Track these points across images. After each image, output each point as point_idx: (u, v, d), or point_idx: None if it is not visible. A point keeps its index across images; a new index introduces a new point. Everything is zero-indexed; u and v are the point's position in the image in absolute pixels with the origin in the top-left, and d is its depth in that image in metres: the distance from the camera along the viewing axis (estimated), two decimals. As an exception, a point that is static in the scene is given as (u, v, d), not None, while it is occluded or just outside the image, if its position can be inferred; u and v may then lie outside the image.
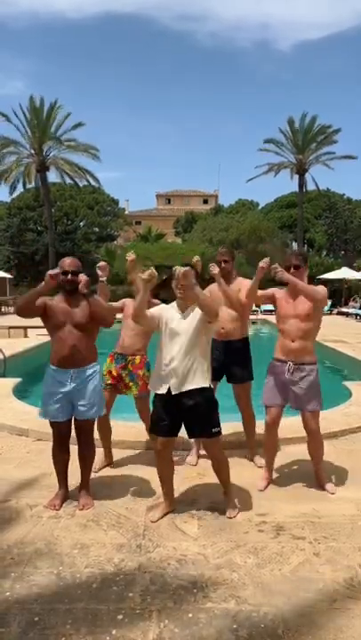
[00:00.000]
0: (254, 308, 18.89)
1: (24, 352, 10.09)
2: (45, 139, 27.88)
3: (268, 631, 2.22)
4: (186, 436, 3.39)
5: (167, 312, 3.26)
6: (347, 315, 21.62)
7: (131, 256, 4.32)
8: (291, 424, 4.45)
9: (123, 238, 41.71)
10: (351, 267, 28.31)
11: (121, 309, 4.24)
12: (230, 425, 4.40)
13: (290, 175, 31.40)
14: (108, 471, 4.13)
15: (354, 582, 2.59)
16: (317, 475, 3.81)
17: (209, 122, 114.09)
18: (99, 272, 3.66)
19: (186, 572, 2.68)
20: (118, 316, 4.19)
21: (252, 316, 20.16)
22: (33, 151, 28.09)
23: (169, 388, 3.17)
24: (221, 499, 3.42)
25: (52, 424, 3.46)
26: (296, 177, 31.27)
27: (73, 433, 3.53)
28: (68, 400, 3.38)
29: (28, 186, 29.57)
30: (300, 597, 2.46)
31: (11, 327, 12.55)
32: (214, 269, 3.86)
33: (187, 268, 3.09)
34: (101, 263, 3.71)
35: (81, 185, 32.35)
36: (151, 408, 3.53)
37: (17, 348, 10.02)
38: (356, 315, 20.75)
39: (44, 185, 28.74)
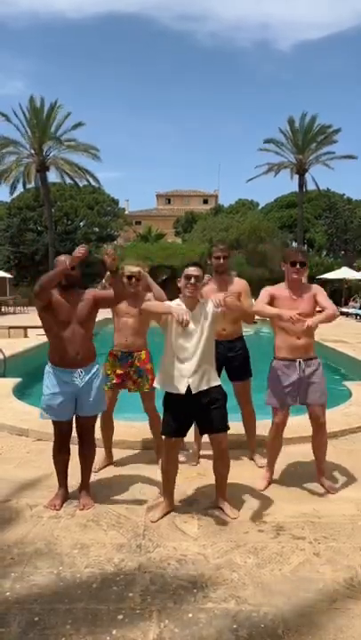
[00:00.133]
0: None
1: (24, 352, 10.07)
2: (45, 139, 27.89)
3: (268, 631, 2.22)
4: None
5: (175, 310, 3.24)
6: (347, 315, 21.60)
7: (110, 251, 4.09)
8: (291, 424, 4.42)
9: (123, 238, 41.70)
10: (351, 267, 28.31)
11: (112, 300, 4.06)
12: (230, 424, 4.39)
13: (290, 175, 31.42)
14: (108, 471, 4.13)
15: (354, 582, 2.58)
16: (319, 473, 3.80)
17: (209, 122, 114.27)
18: (107, 259, 3.35)
19: (186, 572, 2.68)
20: (109, 316, 4.21)
21: (252, 316, 20.14)
22: (33, 151, 28.10)
23: (188, 388, 3.16)
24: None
25: (55, 423, 3.46)
26: (296, 177, 31.28)
27: (73, 433, 3.53)
28: (72, 399, 3.38)
29: (28, 186, 29.61)
30: (300, 597, 2.46)
31: (11, 327, 12.54)
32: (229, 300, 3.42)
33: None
34: (109, 249, 3.44)
35: (81, 185, 32.37)
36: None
37: (17, 348, 10.00)
38: (357, 315, 20.74)
39: (44, 185, 28.75)
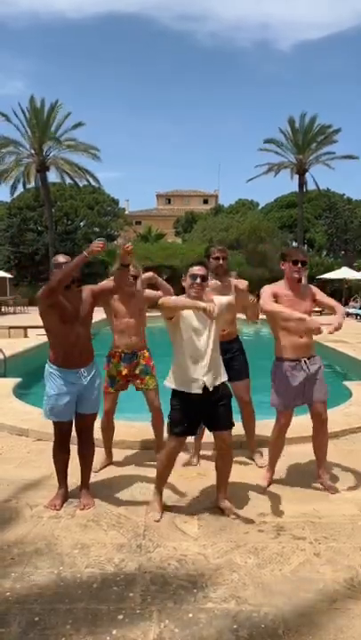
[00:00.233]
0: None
1: (24, 352, 10.07)
2: (45, 139, 27.89)
3: (268, 631, 2.22)
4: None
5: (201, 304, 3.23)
6: (347, 315, 21.60)
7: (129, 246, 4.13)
8: (292, 424, 4.42)
9: (123, 238, 41.69)
10: (351, 267, 28.31)
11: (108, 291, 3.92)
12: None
13: (290, 175, 31.42)
14: (108, 471, 4.13)
15: (354, 582, 2.58)
16: (320, 473, 3.80)
17: (209, 122, 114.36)
18: (123, 253, 3.31)
19: (186, 572, 2.68)
20: (104, 316, 4.23)
21: (252, 316, 20.11)
22: (33, 151, 28.10)
23: (204, 386, 3.17)
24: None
25: (56, 423, 3.46)
26: (296, 177, 31.27)
27: (73, 432, 3.53)
28: (75, 399, 3.39)
29: (28, 186, 29.61)
30: (300, 597, 2.46)
31: (11, 327, 12.54)
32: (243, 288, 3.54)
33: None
34: (128, 245, 3.36)
35: (81, 185, 32.37)
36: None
37: (17, 348, 10.00)
38: (357, 315, 20.74)
39: (44, 185, 28.74)
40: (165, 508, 3.40)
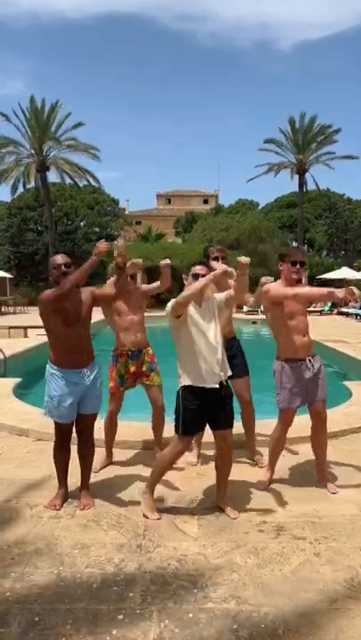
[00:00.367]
0: (248, 307, 18.95)
1: (24, 352, 10.07)
2: (45, 139, 27.91)
3: (268, 631, 2.22)
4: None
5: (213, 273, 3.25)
6: (347, 315, 21.61)
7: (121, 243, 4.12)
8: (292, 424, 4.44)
9: (123, 238, 41.65)
10: (351, 267, 28.34)
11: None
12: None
13: (290, 175, 31.45)
14: (108, 471, 4.13)
15: (354, 582, 2.58)
16: (320, 473, 3.80)
17: (209, 122, 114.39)
18: (117, 255, 3.36)
19: (186, 572, 2.68)
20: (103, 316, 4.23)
21: (251, 316, 20.21)
22: (33, 151, 28.11)
23: (220, 382, 3.21)
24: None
25: (57, 423, 3.45)
26: (296, 177, 31.30)
27: (73, 433, 3.53)
28: (77, 399, 3.39)
29: (28, 186, 29.65)
30: (300, 598, 2.46)
31: (11, 327, 12.54)
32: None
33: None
34: (121, 246, 3.37)
35: (81, 185, 32.39)
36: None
37: (17, 348, 10.00)
38: (357, 315, 20.73)
39: (44, 185, 28.76)
40: (165, 509, 3.40)
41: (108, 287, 3.68)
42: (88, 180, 30.52)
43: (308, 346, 3.65)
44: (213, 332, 3.26)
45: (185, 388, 3.23)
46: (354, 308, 22.25)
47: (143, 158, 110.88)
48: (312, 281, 24.55)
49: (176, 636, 2.18)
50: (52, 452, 3.56)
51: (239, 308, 19.68)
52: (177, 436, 3.27)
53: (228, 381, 3.38)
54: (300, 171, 30.95)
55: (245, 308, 20.92)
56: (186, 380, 3.24)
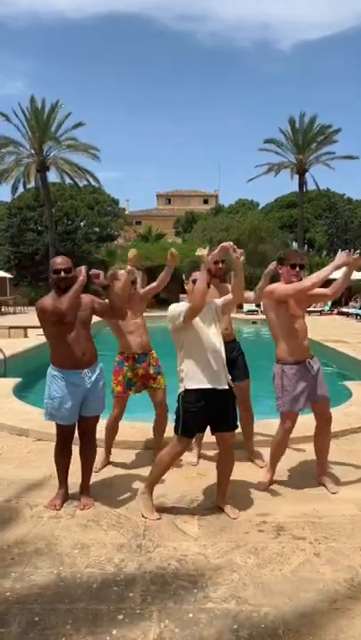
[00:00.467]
0: (254, 307, 18.95)
1: (24, 352, 10.08)
2: (45, 139, 27.91)
3: (268, 631, 2.22)
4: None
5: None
6: (347, 315, 21.63)
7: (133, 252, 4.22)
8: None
9: (123, 238, 41.71)
10: (351, 267, 28.24)
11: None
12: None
13: (290, 175, 31.45)
14: (108, 471, 4.13)
15: (354, 582, 2.58)
16: (320, 473, 3.80)
17: (209, 122, 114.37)
18: (96, 281, 3.44)
19: (186, 572, 2.68)
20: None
21: (251, 316, 20.18)
22: (33, 151, 28.11)
23: (228, 382, 3.24)
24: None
25: (59, 426, 3.44)
26: (296, 177, 31.31)
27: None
28: (80, 401, 3.38)
29: (29, 186, 29.66)
30: (300, 598, 2.46)
31: (11, 327, 12.55)
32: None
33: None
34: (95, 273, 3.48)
35: (81, 185, 32.39)
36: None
37: (17, 348, 10.01)
38: (357, 315, 20.74)
39: (45, 185, 28.76)
40: (165, 509, 3.40)
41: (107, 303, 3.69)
42: (88, 180, 30.53)
43: (308, 348, 3.66)
44: (215, 335, 3.27)
45: (188, 391, 3.22)
46: (354, 307, 22.26)
47: (143, 158, 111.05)
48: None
49: (176, 636, 2.18)
50: (52, 452, 3.56)
51: (239, 307, 19.68)
52: (176, 436, 3.27)
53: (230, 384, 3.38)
54: (300, 171, 30.96)
55: (245, 308, 20.95)
56: (189, 384, 3.22)
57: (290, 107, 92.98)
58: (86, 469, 3.57)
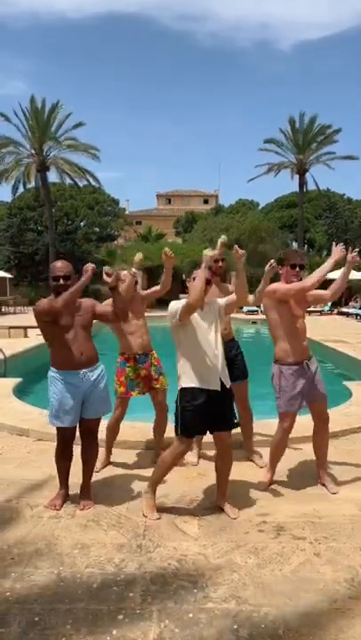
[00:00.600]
0: (254, 307, 18.95)
1: (24, 352, 10.08)
2: (45, 139, 27.89)
3: (268, 631, 2.22)
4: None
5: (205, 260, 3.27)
6: (347, 315, 21.61)
7: (139, 256, 4.28)
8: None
9: (123, 238, 41.71)
10: (351, 267, 28.23)
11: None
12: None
13: (290, 175, 31.44)
14: (108, 471, 4.13)
15: (355, 582, 2.58)
16: (320, 473, 3.80)
17: (209, 122, 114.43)
18: (106, 279, 3.39)
19: (186, 572, 2.68)
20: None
21: (251, 316, 20.18)
22: (33, 151, 28.10)
23: (222, 383, 3.22)
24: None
25: (60, 429, 3.43)
26: (296, 177, 31.29)
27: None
28: (80, 402, 3.37)
29: (29, 186, 29.64)
30: (300, 598, 2.46)
31: (11, 327, 12.55)
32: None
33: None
34: (107, 270, 3.46)
35: (81, 185, 32.38)
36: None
37: (17, 348, 10.01)
38: (357, 315, 20.72)
39: (45, 185, 28.75)
40: (165, 509, 3.40)
41: (109, 306, 3.68)
42: (88, 180, 30.51)
43: (306, 349, 3.65)
44: (215, 335, 3.26)
45: (184, 389, 3.23)
46: (354, 307, 22.25)
47: (143, 158, 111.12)
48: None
49: (176, 636, 2.18)
50: (52, 452, 3.56)
51: (239, 307, 19.65)
52: (177, 437, 3.27)
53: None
54: (301, 171, 30.94)
55: (245, 308, 20.93)
56: (186, 382, 3.23)
57: (290, 107, 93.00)
58: (87, 470, 3.57)
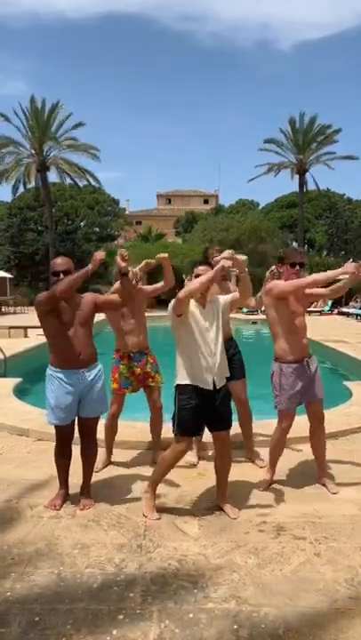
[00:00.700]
0: (251, 308, 18.94)
1: (24, 352, 10.08)
2: (45, 139, 27.90)
3: (268, 631, 2.22)
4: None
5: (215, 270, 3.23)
6: (347, 315, 21.61)
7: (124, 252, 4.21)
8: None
9: (123, 238, 41.70)
10: (352, 267, 28.21)
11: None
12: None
13: (290, 175, 31.44)
14: (108, 471, 4.13)
15: (354, 582, 2.58)
16: (320, 473, 3.80)
17: (209, 122, 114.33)
18: (121, 263, 3.33)
19: (186, 572, 2.68)
20: (104, 316, 4.22)
21: (251, 316, 20.17)
22: (33, 151, 28.11)
23: (214, 383, 3.20)
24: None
25: (57, 427, 3.44)
26: (296, 177, 31.29)
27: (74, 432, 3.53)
28: (76, 400, 3.37)
29: (29, 186, 29.65)
30: (300, 598, 2.46)
31: (11, 327, 12.55)
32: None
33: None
34: (123, 251, 3.39)
35: (81, 185, 32.38)
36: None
37: (17, 348, 10.01)
38: (357, 315, 20.72)
39: (45, 185, 28.76)
40: (166, 509, 3.40)
41: (113, 294, 3.66)
42: (88, 180, 30.52)
43: (306, 347, 3.66)
44: (214, 334, 3.26)
45: (179, 386, 3.24)
46: (354, 307, 22.25)
47: (143, 158, 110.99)
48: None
49: (176, 637, 2.18)
50: (52, 452, 3.56)
51: (239, 308, 19.67)
52: (175, 436, 3.27)
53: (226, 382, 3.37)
54: (301, 171, 30.94)
55: (245, 308, 20.94)
56: (180, 379, 3.25)
57: (290, 107, 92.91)
58: (87, 470, 3.57)
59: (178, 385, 3.25)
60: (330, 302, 23.42)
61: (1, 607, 2.39)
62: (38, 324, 3.47)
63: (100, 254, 3.24)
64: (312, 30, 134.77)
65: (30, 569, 2.70)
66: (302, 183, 31.56)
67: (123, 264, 3.31)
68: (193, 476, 3.98)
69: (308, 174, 31.47)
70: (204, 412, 3.23)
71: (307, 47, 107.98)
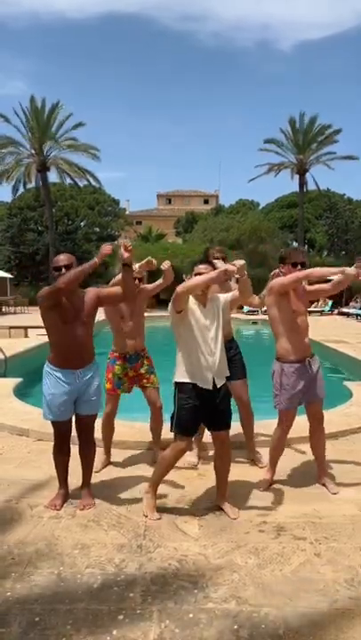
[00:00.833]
0: (255, 307, 19.01)
1: (24, 352, 10.07)
2: (46, 139, 27.91)
3: (268, 632, 2.22)
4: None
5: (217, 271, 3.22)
6: (347, 315, 21.61)
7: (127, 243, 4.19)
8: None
9: (123, 238, 41.71)
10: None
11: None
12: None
13: (290, 175, 31.44)
14: (108, 471, 4.13)
15: (355, 583, 2.58)
16: (320, 473, 3.80)
17: (210, 122, 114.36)
18: (124, 254, 3.28)
19: (187, 572, 2.68)
20: (104, 316, 4.21)
21: (251, 316, 20.16)
22: (33, 151, 28.11)
23: (214, 382, 3.20)
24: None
25: (54, 424, 3.45)
26: (296, 177, 31.29)
27: (73, 432, 3.53)
28: (72, 398, 3.38)
29: (29, 186, 29.66)
30: (300, 598, 2.46)
31: (11, 327, 12.55)
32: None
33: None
34: (126, 242, 3.35)
35: (81, 185, 32.38)
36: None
37: (17, 348, 10.00)
38: (357, 315, 20.72)
39: (45, 185, 28.76)
40: (166, 509, 3.39)
41: (114, 286, 3.65)
42: (88, 180, 30.53)
43: (308, 347, 3.66)
44: (214, 333, 3.25)
45: (178, 384, 3.24)
46: (354, 308, 22.25)
47: (143, 158, 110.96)
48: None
49: (176, 637, 2.18)
50: (52, 453, 3.55)
51: (239, 308, 19.70)
52: (175, 435, 3.27)
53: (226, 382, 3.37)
54: (301, 171, 30.93)
55: (246, 308, 20.94)
56: (178, 377, 3.25)
57: (290, 107, 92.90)
58: (86, 469, 3.57)
59: (177, 383, 3.25)
60: (330, 302, 23.44)
61: (1, 607, 2.39)
62: (38, 324, 3.47)
63: (106, 248, 3.18)
64: (312, 30, 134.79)
65: (30, 569, 2.70)
66: (302, 183, 31.55)
67: (126, 254, 3.26)
68: (193, 476, 3.98)
69: (308, 174, 31.49)
70: (203, 411, 3.23)
71: (307, 47, 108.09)
